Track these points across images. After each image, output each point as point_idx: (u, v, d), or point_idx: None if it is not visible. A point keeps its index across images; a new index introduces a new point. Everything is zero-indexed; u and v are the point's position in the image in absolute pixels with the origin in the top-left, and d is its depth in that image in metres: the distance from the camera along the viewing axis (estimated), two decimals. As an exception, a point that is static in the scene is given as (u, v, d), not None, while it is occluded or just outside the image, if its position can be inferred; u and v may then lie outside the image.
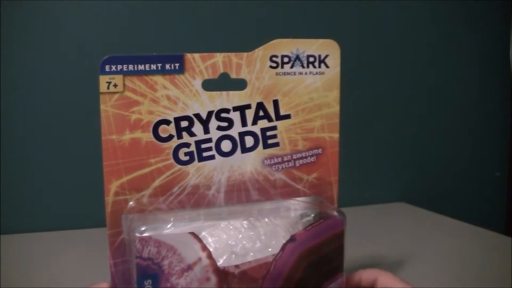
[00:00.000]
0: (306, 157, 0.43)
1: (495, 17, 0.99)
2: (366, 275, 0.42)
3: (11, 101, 0.76)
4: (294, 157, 0.43)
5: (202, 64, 0.40)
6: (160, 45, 0.79)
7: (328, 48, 0.42)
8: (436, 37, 0.97)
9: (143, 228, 0.36)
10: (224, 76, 0.41)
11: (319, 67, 0.42)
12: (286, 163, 0.43)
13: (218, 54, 0.40)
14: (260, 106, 0.42)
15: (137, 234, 0.35)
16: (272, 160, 0.43)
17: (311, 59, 0.42)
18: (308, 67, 0.42)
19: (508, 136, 1.04)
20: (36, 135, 0.78)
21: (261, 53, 0.41)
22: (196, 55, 0.40)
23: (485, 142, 1.04)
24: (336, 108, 0.43)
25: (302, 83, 0.42)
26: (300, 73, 0.42)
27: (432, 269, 0.63)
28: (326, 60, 0.42)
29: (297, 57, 0.42)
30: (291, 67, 0.42)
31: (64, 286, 0.55)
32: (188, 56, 0.40)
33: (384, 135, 0.97)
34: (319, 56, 0.42)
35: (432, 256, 0.67)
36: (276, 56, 0.41)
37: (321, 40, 0.42)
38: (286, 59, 0.41)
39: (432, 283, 0.58)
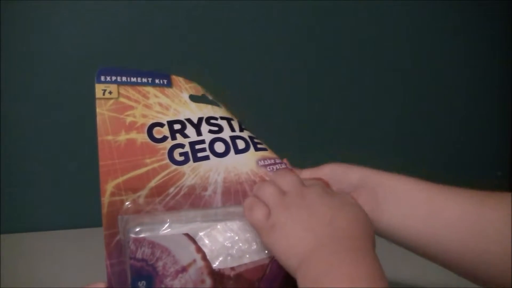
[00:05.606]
0: None
1: (495, 16, 0.97)
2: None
3: (11, 102, 0.76)
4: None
5: (186, 84, 0.43)
6: (153, 51, 0.79)
7: None
8: (435, 37, 0.95)
9: (137, 229, 0.36)
10: (205, 96, 0.44)
11: None
12: (279, 165, 0.43)
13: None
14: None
15: (131, 235, 0.35)
16: (265, 161, 0.43)
17: None
18: None
19: (509, 135, 1.03)
20: (35, 136, 0.78)
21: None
22: (181, 78, 0.43)
23: (486, 141, 1.02)
24: None
25: None
26: None
27: (432, 268, 0.62)
28: None
29: None
30: None
31: (62, 285, 0.55)
32: (174, 77, 0.42)
33: (382, 134, 0.96)
34: None
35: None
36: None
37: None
38: None
39: (432, 282, 0.58)
